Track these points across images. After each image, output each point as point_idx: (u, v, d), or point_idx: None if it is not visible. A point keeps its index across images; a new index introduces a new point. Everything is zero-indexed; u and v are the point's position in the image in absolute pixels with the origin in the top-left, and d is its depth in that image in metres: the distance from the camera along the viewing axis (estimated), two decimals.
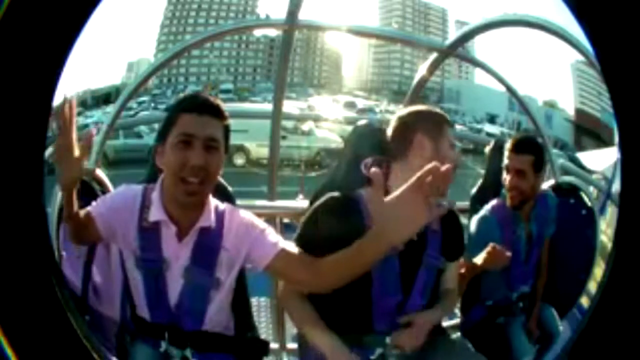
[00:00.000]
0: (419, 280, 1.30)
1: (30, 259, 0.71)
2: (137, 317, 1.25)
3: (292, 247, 1.21)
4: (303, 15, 2.05)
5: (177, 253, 1.18)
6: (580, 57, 1.88)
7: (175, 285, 1.18)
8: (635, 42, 0.68)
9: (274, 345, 2.20)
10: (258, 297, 2.55)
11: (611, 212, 2.03)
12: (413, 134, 1.29)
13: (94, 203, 1.22)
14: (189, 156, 1.10)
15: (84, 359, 0.76)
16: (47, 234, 0.79)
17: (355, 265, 1.06)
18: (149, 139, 6.77)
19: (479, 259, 1.53)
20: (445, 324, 1.86)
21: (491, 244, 1.52)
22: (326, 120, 11.11)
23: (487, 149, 2.06)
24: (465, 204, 1.99)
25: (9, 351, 0.68)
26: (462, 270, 1.53)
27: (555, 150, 2.63)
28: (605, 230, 1.97)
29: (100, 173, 1.76)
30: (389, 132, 1.35)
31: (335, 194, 1.32)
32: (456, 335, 1.87)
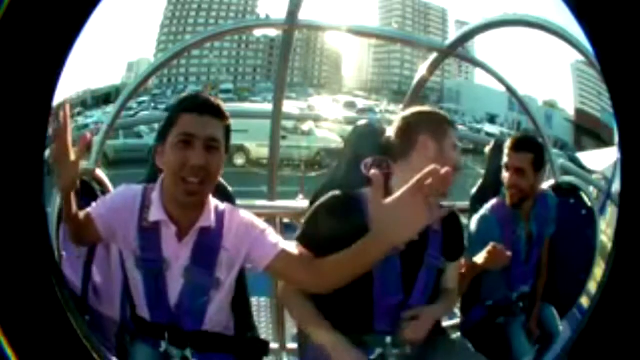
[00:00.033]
0: (420, 280, 1.30)
1: (30, 259, 0.71)
2: (137, 317, 1.25)
3: (292, 248, 1.21)
4: (303, 15, 2.05)
5: (177, 253, 1.18)
6: (580, 57, 1.88)
7: (175, 285, 1.18)
8: (635, 42, 0.68)
9: (274, 345, 2.20)
10: (258, 297, 2.55)
11: (611, 212, 2.03)
12: (417, 134, 1.29)
13: (93, 204, 1.22)
14: (189, 156, 1.10)
15: (84, 359, 0.76)
16: (47, 234, 0.79)
17: (355, 266, 1.06)
18: (149, 139, 6.76)
19: (479, 259, 1.53)
20: (445, 324, 1.86)
21: (491, 244, 1.52)
22: (326, 120, 11.10)
23: (487, 149, 2.06)
24: (465, 204, 1.99)
25: (9, 351, 0.68)
26: (463, 270, 1.53)
27: (555, 150, 2.62)
28: (605, 230, 1.97)
29: (100, 173, 1.76)
30: (393, 131, 1.35)
31: (338, 192, 1.32)
32: (456, 335, 1.87)
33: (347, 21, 2.33)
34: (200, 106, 1.13)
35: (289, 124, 8.76)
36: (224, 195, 1.36)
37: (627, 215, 0.72)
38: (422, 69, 2.44)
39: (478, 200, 1.91)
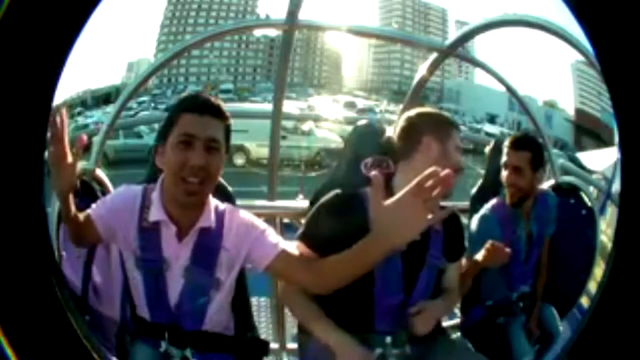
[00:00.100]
0: (421, 280, 1.30)
1: (30, 259, 0.71)
2: (137, 317, 1.25)
3: (292, 248, 1.21)
4: (303, 15, 2.05)
5: (177, 253, 1.18)
6: (580, 57, 1.88)
7: (175, 285, 1.18)
8: (635, 42, 0.68)
9: (274, 345, 2.20)
10: (258, 297, 2.55)
11: (611, 212, 2.03)
12: (421, 135, 1.29)
13: (93, 205, 1.22)
14: (189, 156, 1.10)
15: (84, 359, 0.76)
16: (47, 234, 0.79)
17: (356, 266, 1.06)
18: (149, 139, 6.77)
19: (478, 257, 1.53)
20: (445, 324, 1.86)
21: (490, 241, 1.52)
22: (326, 120, 11.11)
23: (487, 149, 2.07)
24: (465, 204, 1.99)
25: (9, 351, 0.68)
26: (463, 270, 1.53)
27: (555, 150, 2.62)
28: (605, 230, 1.97)
29: (100, 173, 1.76)
30: (395, 132, 1.36)
31: (340, 191, 1.32)
32: (456, 335, 1.87)
33: (347, 21, 2.33)
34: (200, 106, 1.13)
35: (289, 124, 8.77)
36: (224, 195, 1.36)
37: (627, 215, 0.72)
38: (422, 69, 2.43)
39: (478, 200, 1.92)
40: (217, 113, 1.14)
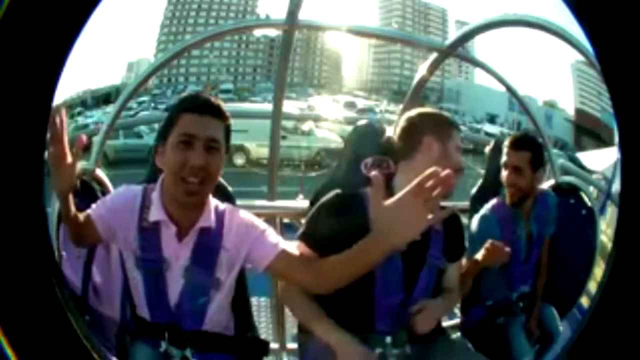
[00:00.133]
0: (422, 280, 1.30)
1: (30, 259, 0.71)
2: (137, 317, 1.25)
3: (292, 248, 1.21)
4: (303, 15, 2.05)
5: (177, 253, 1.18)
6: (580, 57, 1.88)
7: (175, 285, 1.18)
8: (635, 42, 0.68)
9: (274, 345, 2.20)
10: (258, 297, 2.55)
11: (611, 212, 2.03)
12: (422, 135, 1.29)
13: (93, 206, 1.22)
14: (189, 156, 1.10)
15: (84, 359, 0.76)
16: (47, 234, 0.79)
17: (356, 266, 1.06)
18: (149, 139, 6.77)
19: (478, 256, 1.53)
20: (445, 324, 1.86)
21: (489, 241, 1.52)
22: (326, 120, 11.11)
23: (487, 149, 2.07)
24: (465, 204, 1.99)
25: (9, 351, 0.69)
26: (464, 270, 1.53)
27: (555, 150, 2.62)
28: (605, 230, 1.97)
29: (100, 173, 1.76)
30: (396, 132, 1.36)
31: (341, 191, 1.32)
32: (456, 335, 1.87)
33: (347, 21, 2.33)
34: (200, 106, 1.13)
35: (289, 124, 8.77)
36: (224, 195, 1.36)
37: (627, 215, 0.72)
38: (422, 69, 2.43)
39: (478, 200, 1.92)
40: (218, 113, 1.14)
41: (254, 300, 2.01)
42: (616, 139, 0.73)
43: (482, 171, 2.06)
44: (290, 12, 2.01)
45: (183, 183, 1.11)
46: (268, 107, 2.67)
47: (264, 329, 2.43)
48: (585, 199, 2.03)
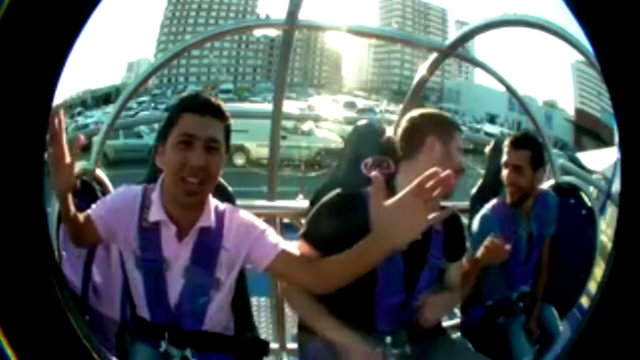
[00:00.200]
0: (422, 280, 1.30)
1: (30, 259, 0.71)
2: (137, 317, 1.25)
3: (292, 248, 1.21)
4: (303, 15, 2.05)
5: (177, 253, 1.18)
6: (580, 57, 1.88)
7: (175, 285, 1.18)
8: (635, 42, 0.68)
9: (274, 345, 2.20)
10: (258, 297, 2.55)
11: (611, 212, 2.03)
12: (424, 136, 1.30)
13: (93, 206, 1.22)
14: (189, 156, 1.10)
15: (84, 359, 0.76)
16: (47, 234, 0.79)
17: (357, 266, 1.06)
18: (149, 139, 6.77)
19: (478, 254, 1.53)
20: (445, 324, 1.86)
21: (489, 238, 1.52)
22: (326, 120, 11.10)
23: (487, 149, 2.07)
24: (465, 204, 1.99)
25: (9, 351, 0.68)
26: (465, 269, 1.52)
27: (555, 150, 2.62)
28: (605, 230, 1.97)
29: (100, 173, 1.76)
30: (398, 132, 1.36)
31: (342, 191, 1.32)
32: (456, 335, 1.87)
33: (347, 21, 2.33)
34: (200, 106, 1.13)
35: (289, 124, 8.77)
36: (224, 195, 1.36)
37: (627, 215, 0.72)
38: (422, 69, 2.43)
39: (478, 200, 1.92)
40: (218, 113, 1.14)
41: (254, 300, 2.01)
42: (616, 139, 0.73)
43: (482, 171, 2.06)
44: (290, 12, 2.01)
45: (183, 183, 1.11)
46: (268, 107, 2.67)
47: (264, 329, 2.43)
48: (585, 199, 2.03)
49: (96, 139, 1.98)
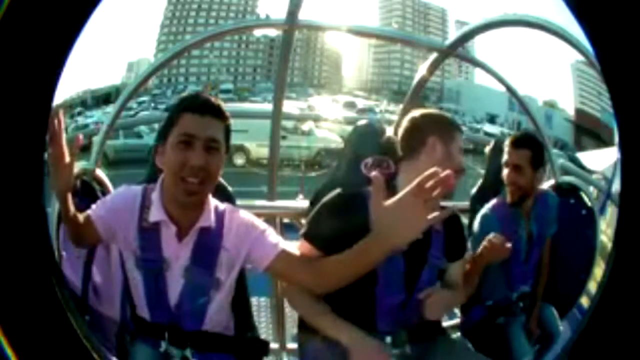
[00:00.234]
0: (423, 280, 1.30)
1: (30, 259, 0.71)
2: (137, 317, 1.25)
3: (292, 248, 1.21)
4: (303, 15, 2.05)
5: (177, 253, 1.18)
6: (580, 57, 1.88)
7: (175, 285, 1.18)
8: (635, 42, 0.68)
9: (274, 345, 2.20)
10: (258, 297, 2.55)
11: (611, 212, 2.03)
12: (426, 136, 1.30)
13: (93, 206, 1.22)
14: (189, 156, 1.10)
15: (84, 359, 0.76)
16: (47, 234, 0.79)
17: (357, 266, 1.06)
18: (149, 139, 6.77)
19: (479, 251, 1.52)
20: (445, 324, 1.87)
21: (490, 236, 1.51)
22: (326, 120, 11.10)
23: (487, 149, 2.07)
24: (465, 204, 1.99)
25: (9, 351, 0.68)
26: (467, 268, 1.52)
27: (555, 150, 2.62)
28: (605, 230, 1.97)
29: (100, 173, 1.76)
30: (399, 132, 1.36)
31: (343, 191, 1.32)
32: (456, 335, 1.87)
33: (347, 21, 2.33)
34: (200, 106, 1.13)
35: (289, 124, 8.77)
36: (224, 195, 1.36)
37: (627, 215, 0.72)
38: (422, 69, 2.43)
39: (478, 200, 1.92)
40: (218, 113, 1.14)
41: (254, 300, 2.01)
42: (616, 139, 0.73)
43: (482, 171, 2.06)
44: (290, 12, 2.01)
45: (183, 183, 1.11)
46: (268, 107, 2.67)
47: (264, 329, 2.43)
48: (585, 199, 2.03)
49: (96, 139, 1.98)
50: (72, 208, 1.17)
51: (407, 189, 0.91)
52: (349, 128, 1.82)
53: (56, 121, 1.06)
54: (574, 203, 2.04)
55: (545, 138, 2.16)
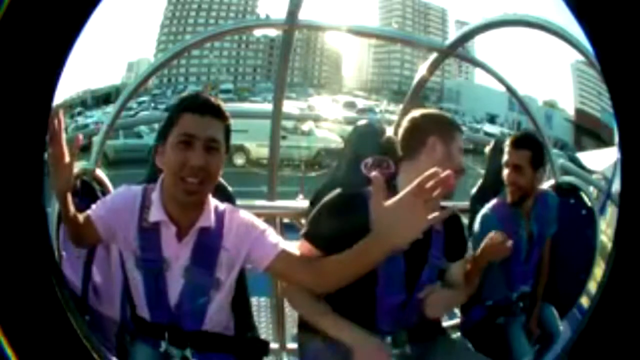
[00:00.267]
0: (423, 279, 1.30)
1: (30, 259, 0.71)
2: (137, 317, 1.25)
3: (292, 248, 1.21)
4: (303, 15, 2.05)
5: (177, 253, 1.18)
6: (580, 57, 1.88)
7: (175, 285, 1.18)
8: (635, 42, 0.68)
9: (274, 345, 2.20)
10: (258, 297, 2.55)
11: (611, 212, 2.03)
12: (426, 136, 1.30)
13: (93, 206, 1.22)
14: (189, 157, 1.10)
15: (84, 359, 0.76)
16: (47, 234, 0.79)
17: (357, 266, 1.06)
18: (149, 139, 6.77)
19: (479, 251, 1.52)
20: (445, 324, 1.87)
21: (489, 234, 1.51)
22: (326, 120, 11.11)
23: (487, 149, 2.07)
24: (465, 204, 1.99)
25: (9, 351, 0.68)
26: (468, 268, 1.52)
27: (555, 150, 2.62)
28: (605, 230, 1.97)
29: (100, 173, 1.76)
30: (399, 132, 1.36)
31: (343, 191, 1.32)
32: (456, 335, 1.87)
33: (347, 21, 2.33)
34: (200, 106, 1.13)
35: (289, 124, 8.77)
36: (224, 195, 1.36)
37: (627, 215, 0.72)
38: (422, 69, 2.43)
39: (478, 200, 1.92)
40: (218, 113, 1.14)
41: (254, 300, 2.01)
42: (616, 139, 0.73)
43: (482, 171, 2.06)
44: (290, 12, 2.02)
45: (183, 183, 1.11)
46: (268, 107, 2.67)
47: (264, 329, 2.43)
48: (585, 199, 2.03)
49: (96, 139, 1.98)
50: (72, 208, 1.17)
51: (408, 189, 0.91)
52: (349, 128, 1.82)
53: (56, 121, 1.07)
54: (574, 203, 2.04)
55: (545, 138, 2.16)
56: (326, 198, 1.34)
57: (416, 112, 1.37)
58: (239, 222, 1.21)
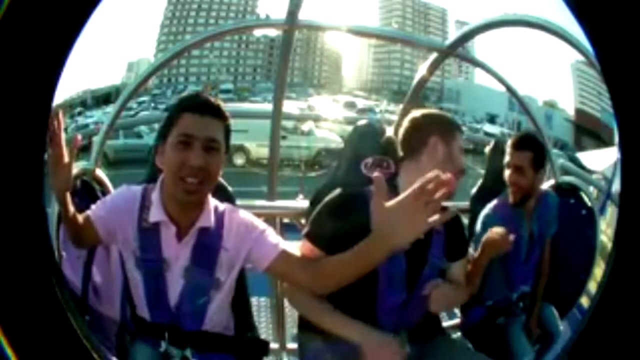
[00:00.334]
0: (424, 279, 1.30)
1: (30, 259, 0.71)
2: (137, 317, 1.25)
3: (293, 248, 1.21)
4: (303, 15, 2.05)
5: (177, 253, 1.18)
6: (580, 57, 1.88)
7: (175, 285, 1.18)
8: (635, 42, 0.68)
9: (274, 345, 2.20)
10: (258, 297, 2.55)
11: (611, 212, 2.03)
12: (427, 136, 1.30)
13: (93, 207, 1.22)
14: (188, 156, 1.10)
15: (84, 359, 0.76)
16: (47, 234, 0.79)
17: (357, 267, 1.06)
18: (149, 139, 6.76)
19: (480, 248, 1.52)
20: (445, 324, 1.86)
21: (490, 230, 1.51)
22: (326, 120, 11.10)
23: (487, 149, 2.07)
24: (465, 204, 1.99)
25: (9, 351, 0.68)
26: (468, 268, 1.52)
27: (555, 150, 2.63)
28: (605, 230, 1.97)
29: (100, 173, 1.76)
30: (400, 132, 1.36)
31: (344, 190, 1.32)
32: (456, 335, 1.87)
33: (347, 21, 2.33)
34: (200, 106, 1.13)
35: (289, 124, 8.76)
36: (224, 195, 1.36)
37: (627, 215, 0.72)
38: (422, 69, 2.43)
39: (478, 200, 1.92)
40: (217, 113, 1.14)
41: (254, 300, 2.01)
42: (616, 139, 0.73)
43: (482, 171, 2.06)
44: (290, 12, 2.02)
45: (182, 183, 1.11)
46: (268, 107, 2.67)
47: (264, 329, 2.43)
48: (585, 199, 2.03)
49: (96, 139, 1.98)
50: (71, 208, 1.17)
51: (409, 190, 0.91)
52: (349, 128, 1.82)
53: (56, 121, 1.07)
54: (574, 203, 2.04)
55: (545, 138, 2.16)
56: (327, 198, 1.34)
57: (417, 112, 1.37)
58: (239, 222, 1.21)
